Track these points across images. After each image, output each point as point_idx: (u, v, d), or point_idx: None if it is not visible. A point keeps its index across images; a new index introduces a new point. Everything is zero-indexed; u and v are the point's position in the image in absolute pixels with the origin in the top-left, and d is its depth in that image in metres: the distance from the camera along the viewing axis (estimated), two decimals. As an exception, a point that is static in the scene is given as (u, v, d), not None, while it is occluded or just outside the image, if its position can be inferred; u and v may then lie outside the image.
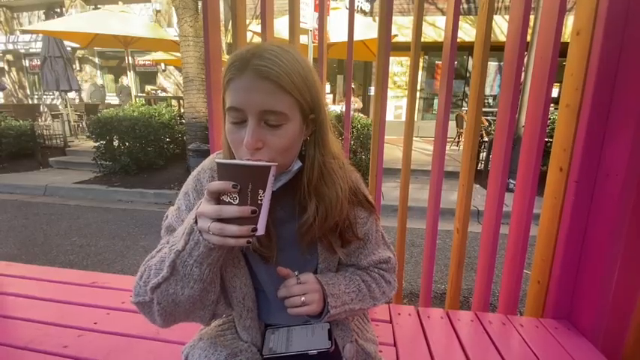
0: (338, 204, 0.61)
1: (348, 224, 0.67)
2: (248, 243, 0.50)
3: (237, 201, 0.49)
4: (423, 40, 1.34)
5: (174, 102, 7.29)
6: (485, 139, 5.03)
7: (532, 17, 4.14)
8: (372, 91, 9.00)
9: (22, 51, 11.41)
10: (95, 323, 1.17)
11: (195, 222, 0.52)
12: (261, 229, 0.51)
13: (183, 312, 0.58)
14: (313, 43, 4.31)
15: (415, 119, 1.51)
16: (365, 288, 0.70)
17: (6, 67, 11.78)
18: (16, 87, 11.96)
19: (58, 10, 10.63)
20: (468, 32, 7.91)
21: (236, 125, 0.55)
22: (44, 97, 10.86)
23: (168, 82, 10.30)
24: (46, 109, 8.33)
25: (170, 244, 0.56)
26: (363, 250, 0.72)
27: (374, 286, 0.72)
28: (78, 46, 7.66)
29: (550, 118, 3.36)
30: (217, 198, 0.50)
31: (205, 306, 0.61)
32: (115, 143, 5.05)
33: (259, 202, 0.50)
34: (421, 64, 8.91)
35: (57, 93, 8.49)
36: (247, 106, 0.52)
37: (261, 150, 0.54)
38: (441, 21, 8.05)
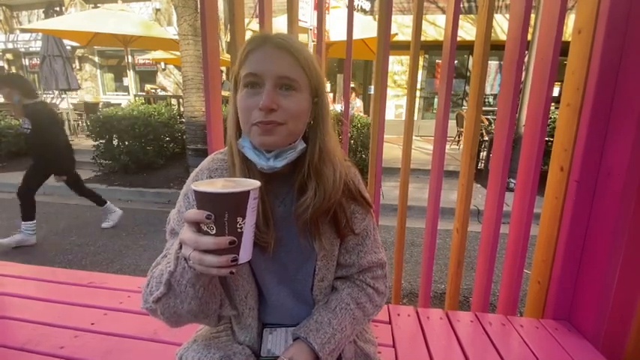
0: (336, 185, 0.63)
1: (345, 219, 0.67)
2: (231, 273, 0.49)
3: (214, 231, 0.46)
4: (423, 39, 1.34)
5: (173, 101, 7.27)
6: (486, 138, 5.01)
7: (533, 16, 4.13)
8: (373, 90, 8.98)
9: (22, 50, 11.39)
10: (92, 324, 1.16)
11: (180, 247, 0.51)
12: (244, 257, 0.49)
13: (187, 320, 0.59)
14: (313, 41, 4.29)
15: (415, 118, 1.51)
16: (359, 313, 0.70)
17: (6, 66, 11.76)
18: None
19: (58, 8, 10.61)
20: (468, 31, 7.88)
21: (251, 91, 0.58)
22: (43, 96, 10.86)
23: (168, 81, 10.28)
24: None
25: (167, 260, 0.55)
26: (362, 248, 0.72)
27: (368, 305, 0.72)
28: (78, 44, 7.64)
29: (551, 118, 3.36)
30: (197, 225, 0.48)
31: (208, 315, 0.61)
32: (115, 142, 5.03)
33: (239, 230, 0.47)
34: (422, 63, 8.89)
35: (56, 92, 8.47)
36: (265, 71, 0.57)
37: (275, 112, 0.57)
38: (441, 20, 8.02)
